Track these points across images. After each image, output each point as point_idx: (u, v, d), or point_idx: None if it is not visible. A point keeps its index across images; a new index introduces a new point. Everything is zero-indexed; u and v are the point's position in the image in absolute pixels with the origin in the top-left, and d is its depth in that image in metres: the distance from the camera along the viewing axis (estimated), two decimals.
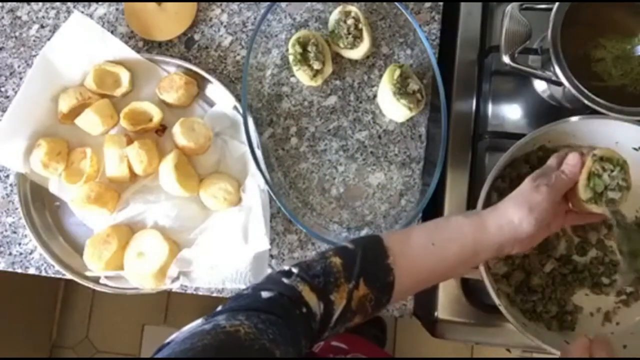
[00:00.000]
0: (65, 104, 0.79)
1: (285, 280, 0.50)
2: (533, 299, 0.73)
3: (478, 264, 0.57)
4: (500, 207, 0.57)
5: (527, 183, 0.57)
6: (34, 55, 0.87)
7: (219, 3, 0.86)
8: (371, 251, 0.53)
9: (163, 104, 0.81)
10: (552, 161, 0.62)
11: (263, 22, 0.77)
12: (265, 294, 0.48)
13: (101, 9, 0.88)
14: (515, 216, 0.55)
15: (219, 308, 0.48)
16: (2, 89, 0.88)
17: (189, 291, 0.82)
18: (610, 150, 0.60)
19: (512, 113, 0.83)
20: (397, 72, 0.77)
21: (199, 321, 0.46)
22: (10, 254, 0.85)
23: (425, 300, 0.80)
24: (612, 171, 0.58)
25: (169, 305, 1.78)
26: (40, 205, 0.82)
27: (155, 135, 0.82)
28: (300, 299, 0.48)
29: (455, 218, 0.57)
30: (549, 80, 0.72)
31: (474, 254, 0.54)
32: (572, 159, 0.58)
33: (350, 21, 0.78)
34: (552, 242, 0.74)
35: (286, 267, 0.52)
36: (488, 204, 0.73)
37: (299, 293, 0.49)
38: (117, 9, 0.87)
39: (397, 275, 0.52)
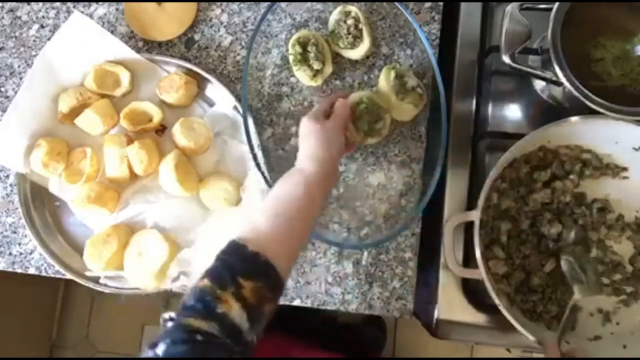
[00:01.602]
0: (65, 104, 0.79)
1: (169, 324, 0.51)
2: (533, 299, 0.73)
3: (320, 201, 0.64)
4: (304, 151, 0.66)
5: (311, 125, 0.67)
6: (34, 55, 0.87)
7: (219, 3, 0.86)
8: (230, 255, 0.54)
9: (163, 104, 0.81)
10: (322, 105, 0.72)
11: (263, 22, 0.77)
12: (159, 350, 0.47)
13: (101, 9, 0.88)
14: (318, 151, 0.65)
15: None
16: (2, 89, 0.88)
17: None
18: (359, 94, 0.75)
19: (512, 113, 0.83)
20: (392, 74, 0.76)
21: None
22: (10, 254, 0.85)
23: (425, 300, 0.80)
24: (366, 107, 0.74)
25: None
26: (40, 205, 0.83)
27: (155, 135, 0.82)
28: (190, 332, 0.48)
29: (281, 188, 0.62)
30: (549, 80, 0.72)
31: (312, 198, 0.62)
32: (339, 106, 0.70)
33: (350, 21, 0.78)
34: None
35: (166, 315, 0.53)
36: (488, 204, 0.73)
37: (187, 328, 0.49)
38: (117, 9, 0.87)
39: (265, 254, 0.54)
